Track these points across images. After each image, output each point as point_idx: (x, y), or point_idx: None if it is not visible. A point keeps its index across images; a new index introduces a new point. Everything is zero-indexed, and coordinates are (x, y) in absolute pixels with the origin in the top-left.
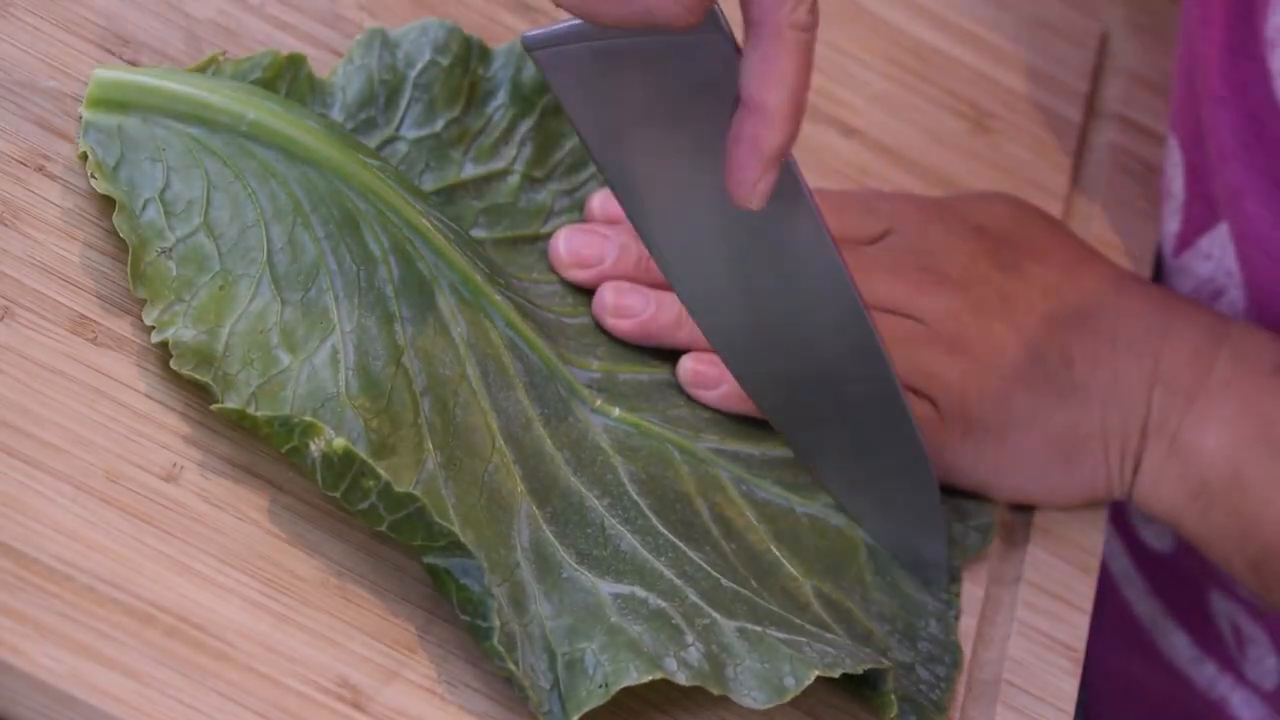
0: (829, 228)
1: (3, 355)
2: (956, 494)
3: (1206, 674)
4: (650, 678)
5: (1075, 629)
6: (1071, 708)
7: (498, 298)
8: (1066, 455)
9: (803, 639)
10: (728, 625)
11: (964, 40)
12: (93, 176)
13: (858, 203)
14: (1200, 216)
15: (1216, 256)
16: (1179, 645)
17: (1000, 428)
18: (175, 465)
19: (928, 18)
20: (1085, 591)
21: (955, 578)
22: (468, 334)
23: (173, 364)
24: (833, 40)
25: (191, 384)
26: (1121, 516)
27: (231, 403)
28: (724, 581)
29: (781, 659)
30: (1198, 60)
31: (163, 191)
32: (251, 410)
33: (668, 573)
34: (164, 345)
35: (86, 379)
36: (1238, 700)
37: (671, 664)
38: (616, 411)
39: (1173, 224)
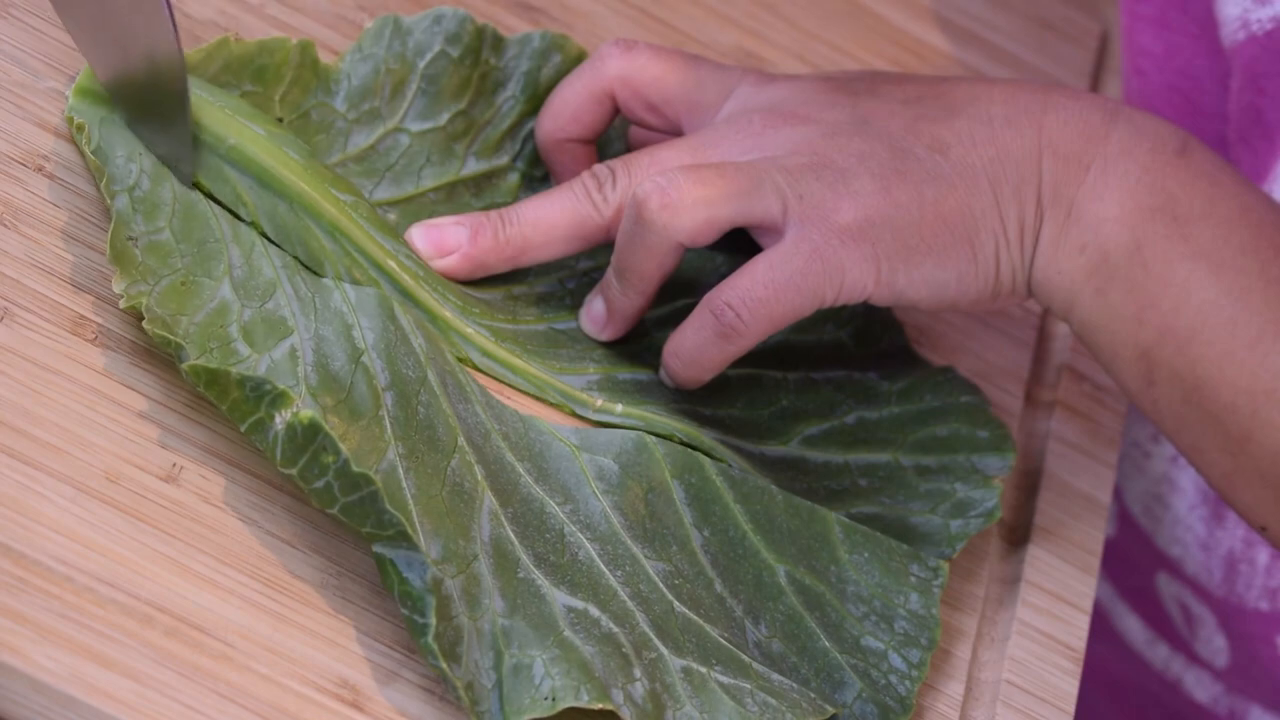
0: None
1: (2, 355)
2: (960, 483)
3: (1160, 655)
4: (598, 706)
5: (1075, 629)
6: (1072, 708)
7: (469, 329)
8: (966, 237)
9: (747, 685)
10: (674, 663)
11: (964, 40)
12: (84, 141)
13: (708, 68)
14: None
15: None
16: (1133, 627)
17: (887, 220)
18: (175, 465)
19: (928, 18)
20: (1085, 591)
21: (950, 547)
22: (427, 348)
23: (145, 324)
24: (833, 40)
25: (163, 343)
26: None
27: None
28: (677, 606)
29: (721, 711)
30: (1124, 34)
31: (133, 189)
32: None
33: (622, 592)
34: (134, 309)
35: (86, 379)
36: (1191, 680)
37: (619, 696)
38: (620, 408)
39: None
